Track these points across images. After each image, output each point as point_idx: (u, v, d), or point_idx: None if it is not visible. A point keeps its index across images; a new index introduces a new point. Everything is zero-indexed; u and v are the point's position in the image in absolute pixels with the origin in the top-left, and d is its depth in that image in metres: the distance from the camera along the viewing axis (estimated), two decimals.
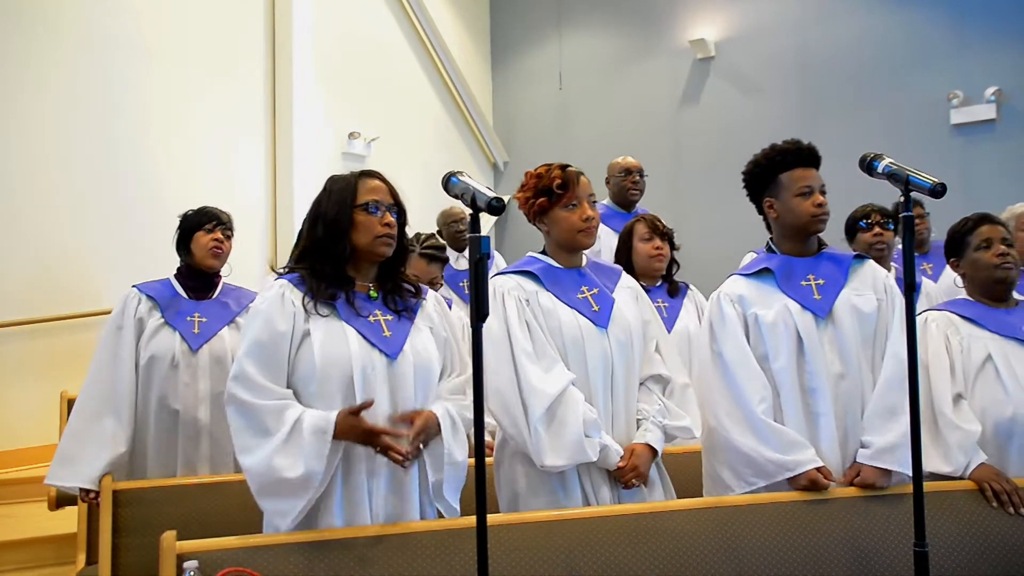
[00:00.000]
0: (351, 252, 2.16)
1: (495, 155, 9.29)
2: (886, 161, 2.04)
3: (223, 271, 3.31)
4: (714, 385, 2.46)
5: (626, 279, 2.60)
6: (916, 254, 4.48)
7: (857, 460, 2.37)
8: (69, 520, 3.41)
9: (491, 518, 1.89)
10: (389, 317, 2.18)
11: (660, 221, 3.61)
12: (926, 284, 4.01)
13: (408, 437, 2.05)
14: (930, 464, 2.39)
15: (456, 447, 2.15)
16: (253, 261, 6.57)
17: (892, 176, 2.01)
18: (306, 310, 2.11)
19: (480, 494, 1.67)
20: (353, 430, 2.00)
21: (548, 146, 8.85)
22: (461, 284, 4.92)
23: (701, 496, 2.52)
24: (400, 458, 2.02)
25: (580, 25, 9.01)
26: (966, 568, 2.23)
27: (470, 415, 2.23)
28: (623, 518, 2.21)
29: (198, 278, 3.23)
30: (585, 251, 2.53)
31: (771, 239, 2.60)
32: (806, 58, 7.86)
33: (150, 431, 3.06)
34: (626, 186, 4.55)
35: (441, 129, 8.68)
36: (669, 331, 3.49)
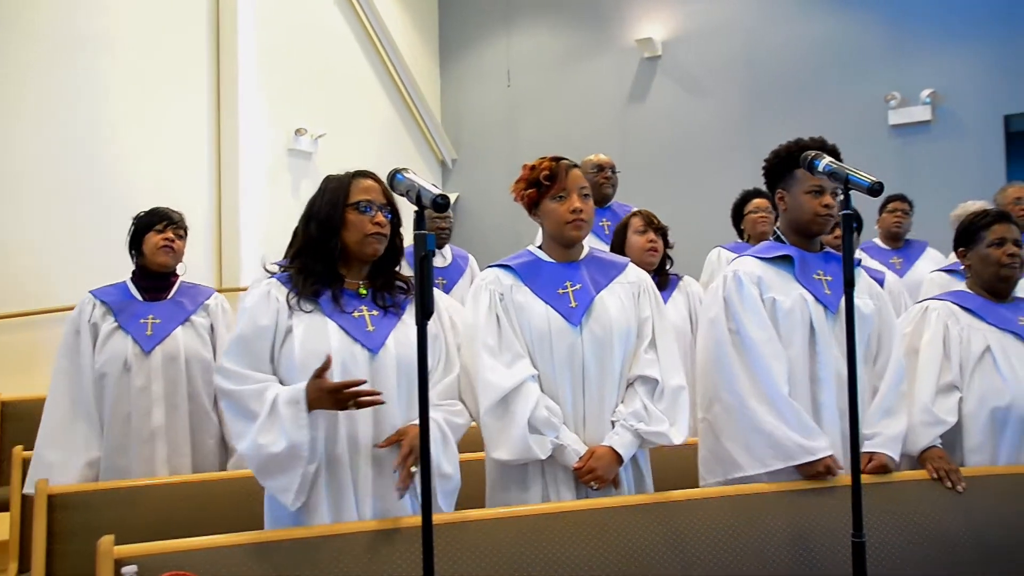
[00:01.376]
0: (342, 250, 2.19)
1: (443, 152, 9.25)
2: (826, 160, 2.08)
3: (179, 270, 3.29)
4: (734, 363, 2.45)
5: (632, 273, 2.53)
6: (890, 248, 4.66)
7: (867, 449, 2.43)
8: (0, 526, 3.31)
9: (437, 517, 1.88)
10: (375, 312, 2.20)
11: (655, 216, 3.69)
12: (889, 277, 4.11)
13: (400, 466, 2.07)
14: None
15: (445, 461, 2.17)
16: (198, 258, 6.44)
17: (832, 175, 2.04)
18: (290, 307, 2.15)
19: (425, 493, 1.66)
20: (319, 392, 2.01)
21: (497, 144, 8.86)
22: (437, 281, 4.91)
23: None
24: (375, 400, 2.03)
25: (528, 23, 9.03)
26: (901, 556, 2.29)
27: (461, 420, 2.27)
28: (569, 515, 2.21)
29: (152, 279, 3.21)
30: (584, 242, 2.51)
31: (778, 228, 2.65)
32: (750, 58, 7.99)
33: (106, 436, 3.04)
34: (599, 182, 4.62)
35: (389, 126, 8.62)
36: None
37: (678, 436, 2.35)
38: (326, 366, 2.01)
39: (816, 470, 2.35)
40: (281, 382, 2.12)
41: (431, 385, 2.20)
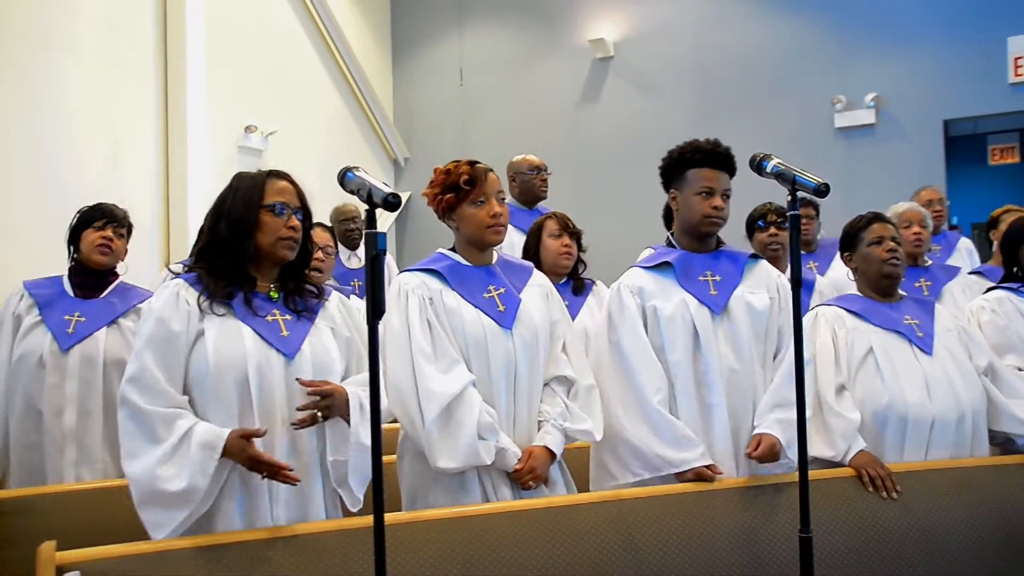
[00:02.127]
0: (254, 252, 2.12)
1: (396, 151, 9.20)
2: (774, 161, 2.10)
3: (119, 269, 3.19)
4: (611, 374, 2.49)
5: (537, 277, 2.58)
6: (804, 253, 4.74)
7: (756, 431, 2.43)
8: None
9: (389, 517, 1.87)
10: (288, 317, 2.14)
11: (570, 220, 3.65)
12: (819, 281, 4.18)
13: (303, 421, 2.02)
14: (814, 449, 2.51)
15: (363, 430, 2.10)
16: (144, 257, 6.30)
17: (780, 176, 2.07)
18: (201, 309, 2.06)
19: (377, 493, 1.65)
20: (241, 453, 1.95)
21: (449, 143, 8.83)
22: (352, 283, 4.84)
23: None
24: (291, 480, 1.98)
25: (481, 22, 9.02)
26: (847, 550, 2.34)
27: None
28: (522, 514, 2.21)
29: (88, 276, 3.11)
30: (495, 248, 2.52)
31: (671, 233, 2.66)
32: (701, 60, 8.09)
33: (13, 434, 2.95)
34: (532, 183, 4.59)
35: (341, 124, 8.55)
36: None
37: (598, 432, 2.43)
38: (261, 433, 1.96)
39: (686, 478, 2.38)
40: (189, 388, 2.03)
41: (344, 386, 2.18)
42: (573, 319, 3.55)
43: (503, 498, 2.33)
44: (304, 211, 2.19)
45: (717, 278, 2.53)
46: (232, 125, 7.22)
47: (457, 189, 2.38)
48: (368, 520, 1.79)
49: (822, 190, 1.98)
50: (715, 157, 2.52)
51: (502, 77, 8.87)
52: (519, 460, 2.31)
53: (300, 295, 2.19)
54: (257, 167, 2.31)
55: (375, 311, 1.61)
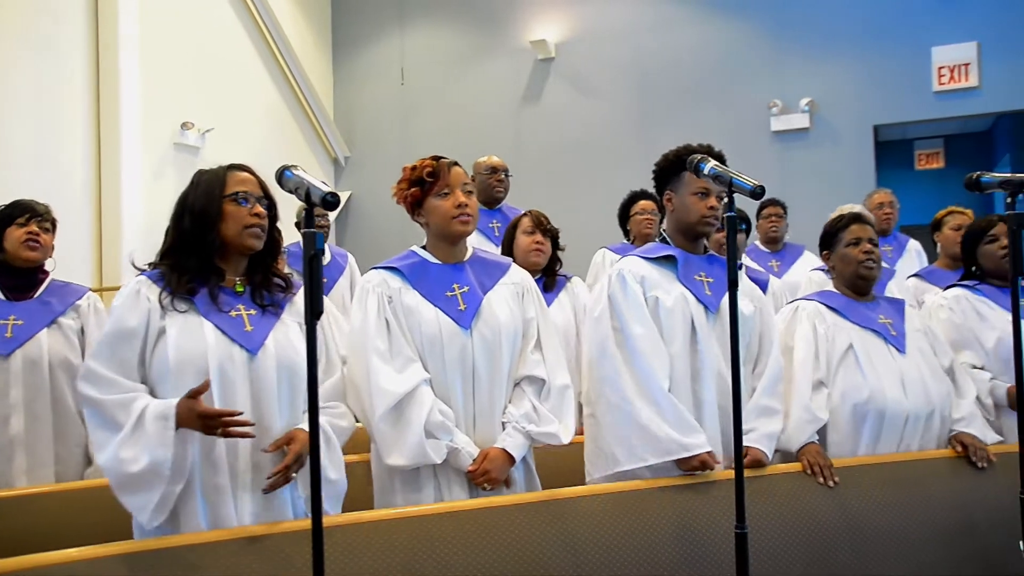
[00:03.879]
0: (220, 244, 2.10)
1: (336, 149, 9.11)
2: (711, 163, 2.13)
3: (47, 265, 3.09)
4: (617, 359, 2.47)
5: (515, 274, 2.55)
6: (769, 251, 4.84)
7: (745, 443, 2.47)
8: None
9: (328, 519, 1.85)
10: (253, 312, 2.12)
11: (546, 218, 3.68)
12: (773, 282, 4.26)
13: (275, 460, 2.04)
14: (778, 441, 2.59)
15: (331, 466, 2.11)
16: (76, 254, 6.13)
17: (717, 178, 2.10)
18: (163, 306, 2.03)
19: (315, 496, 1.63)
20: (190, 414, 1.92)
21: (390, 142, 8.78)
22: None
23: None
24: (247, 433, 1.97)
25: (423, 21, 8.99)
26: (781, 545, 2.38)
27: (345, 423, 2.24)
28: (463, 515, 2.20)
29: (16, 276, 3.00)
30: (468, 243, 2.51)
31: (664, 231, 2.70)
32: (641, 63, 8.19)
33: None
34: (491, 184, 4.59)
35: (280, 122, 8.43)
36: None
37: (566, 435, 2.40)
38: (204, 388, 1.93)
39: (692, 465, 2.41)
40: (152, 386, 2.02)
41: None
42: None
43: (456, 498, 2.32)
44: (269, 201, 2.17)
45: (711, 280, 2.58)
46: (168, 122, 7.06)
47: (421, 182, 2.39)
48: (306, 523, 1.77)
49: (758, 192, 2.01)
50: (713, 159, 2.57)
51: (444, 77, 8.85)
52: (474, 461, 2.30)
53: (267, 288, 2.18)
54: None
55: (313, 311, 1.60)
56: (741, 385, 2.51)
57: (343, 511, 2.21)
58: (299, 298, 2.24)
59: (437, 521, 2.17)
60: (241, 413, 1.97)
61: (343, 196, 8.45)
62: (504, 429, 2.38)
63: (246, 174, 2.16)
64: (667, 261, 2.61)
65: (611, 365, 2.48)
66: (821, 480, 2.50)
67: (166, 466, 1.91)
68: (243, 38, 8.00)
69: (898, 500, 2.53)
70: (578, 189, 7.97)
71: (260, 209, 2.12)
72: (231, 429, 1.94)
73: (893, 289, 4.04)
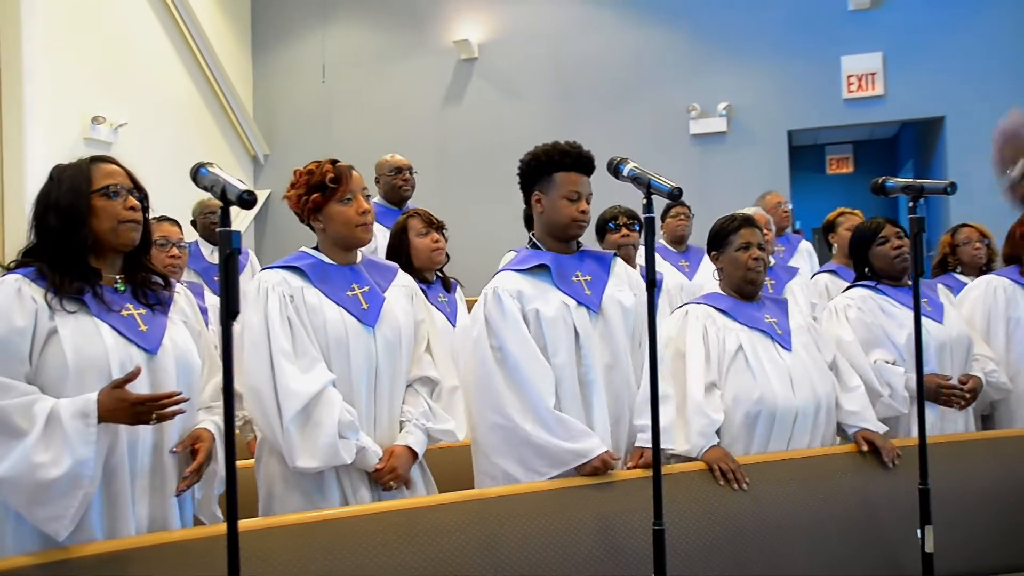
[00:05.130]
0: (92, 241, 2.00)
1: (255, 147, 8.92)
2: (631, 165, 2.16)
3: None
4: (499, 381, 2.46)
5: (402, 277, 2.56)
6: (675, 251, 4.93)
7: (638, 445, 2.53)
8: None
9: (244, 523, 1.82)
10: (142, 311, 2.05)
11: (432, 215, 3.63)
12: (667, 280, 4.34)
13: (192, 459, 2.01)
14: (675, 445, 2.61)
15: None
16: None
17: (635, 179, 2.13)
18: (50, 307, 1.93)
19: (231, 500, 1.59)
20: (120, 404, 1.85)
21: (312, 140, 8.65)
22: (216, 277, 4.69)
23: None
24: (180, 409, 1.93)
25: (345, 19, 8.88)
26: (697, 540, 2.44)
27: (236, 421, 2.16)
28: (381, 516, 2.19)
29: None
30: (361, 248, 2.48)
31: (533, 235, 2.67)
32: (563, 65, 8.27)
33: None
34: (397, 183, 4.57)
35: (197, 118, 8.21)
36: (454, 326, 3.54)
37: (460, 432, 2.47)
38: (134, 376, 1.87)
39: (592, 467, 2.42)
40: (44, 388, 1.91)
41: (200, 388, 2.14)
42: (455, 316, 3.56)
43: (362, 499, 2.31)
44: (141, 193, 2.08)
45: (588, 278, 2.57)
46: (77, 115, 6.79)
47: (323, 188, 2.34)
48: (221, 528, 1.73)
49: (675, 194, 2.05)
50: (580, 161, 2.56)
51: (366, 75, 8.77)
52: (380, 459, 2.30)
53: (149, 286, 2.10)
54: None
55: (229, 311, 1.56)
56: (631, 376, 2.58)
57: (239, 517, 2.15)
58: (181, 296, 2.20)
59: (356, 523, 2.15)
60: (178, 393, 1.91)
61: (262, 195, 8.28)
62: (403, 428, 2.39)
63: (113, 166, 2.07)
64: (542, 269, 2.57)
65: (495, 387, 2.47)
66: (735, 486, 2.53)
67: (89, 465, 1.83)
68: (159, 32, 7.76)
69: (807, 494, 2.62)
70: (501, 189, 7.95)
71: (133, 201, 2.03)
72: (165, 412, 1.89)
73: (794, 288, 4.13)
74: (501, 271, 2.64)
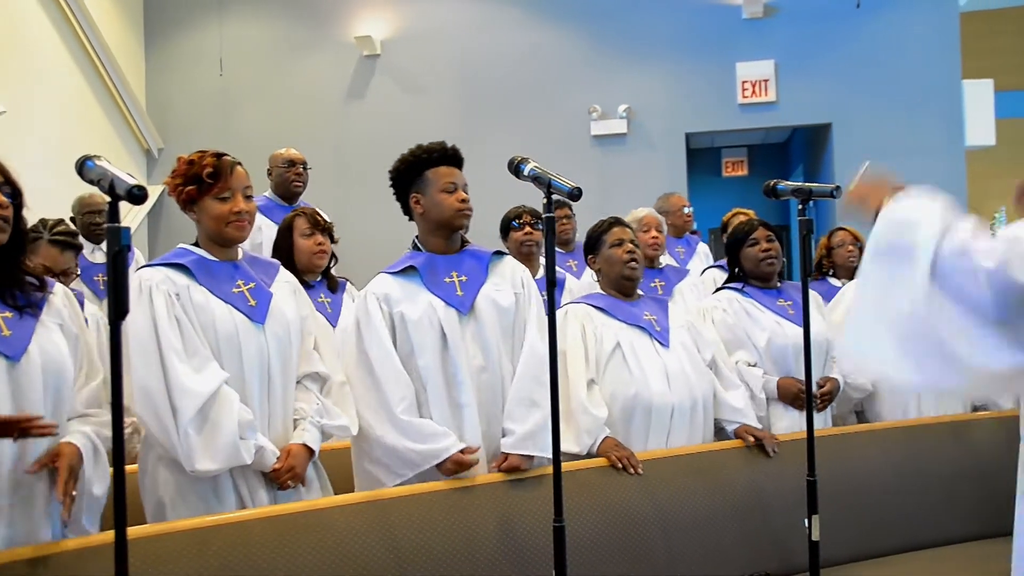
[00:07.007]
0: None
1: (149, 140, 8.60)
2: (531, 165, 2.17)
3: None
4: (361, 383, 2.48)
5: (284, 274, 2.51)
6: (562, 252, 4.97)
7: (502, 449, 2.51)
8: None
9: (134, 530, 1.76)
10: (8, 314, 1.90)
11: (320, 215, 3.52)
12: (569, 280, 4.39)
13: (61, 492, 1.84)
14: (564, 445, 2.60)
15: (96, 480, 1.97)
16: None
17: (536, 179, 2.14)
18: None
19: (119, 507, 1.53)
20: None
21: (208, 133, 8.38)
22: (96, 278, 4.49)
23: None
24: (49, 431, 1.80)
25: (243, 10, 8.66)
26: (596, 535, 2.49)
27: (109, 432, 2.04)
28: (280, 518, 2.15)
29: None
30: (241, 244, 2.42)
31: (416, 237, 2.66)
32: (467, 64, 8.27)
33: None
34: (289, 178, 4.47)
35: (85, 109, 7.84)
36: (334, 327, 3.46)
37: (354, 427, 2.45)
38: None
39: (447, 467, 2.43)
40: None
41: (75, 391, 2.02)
42: (337, 317, 3.50)
43: (260, 502, 2.26)
44: (12, 188, 1.92)
45: (463, 278, 2.56)
46: None
47: (199, 181, 2.26)
48: (109, 536, 1.66)
49: (575, 194, 2.07)
50: (447, 155, 2.58)
51: (265, 69, 8.57)
52: (277, 459, 2.25)
53: (19, 288, 1.94)
54: None
55: (118, 311, 1.50)
56: (507, 378, 2.55)
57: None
58: (57, 298, 2.04)
59: (254, 526, 2.11)
60: (41, 417, 1.79)
61: (155, 190, 7.98)
62: (297, 426, 2.36)
63: None
64: (413, 271, 2.57)
65: (359, 389, 2.49)
66: (632, 471, 2.61)
67: None
68: (40, 16, 7.38)
69: (700, 487, 2.71)
70: None
71: (2, 199, 1.87)
72: (33, 432, 1.77)
73: (683, 288, 4.23)
74: (378, 274, 2.63)
